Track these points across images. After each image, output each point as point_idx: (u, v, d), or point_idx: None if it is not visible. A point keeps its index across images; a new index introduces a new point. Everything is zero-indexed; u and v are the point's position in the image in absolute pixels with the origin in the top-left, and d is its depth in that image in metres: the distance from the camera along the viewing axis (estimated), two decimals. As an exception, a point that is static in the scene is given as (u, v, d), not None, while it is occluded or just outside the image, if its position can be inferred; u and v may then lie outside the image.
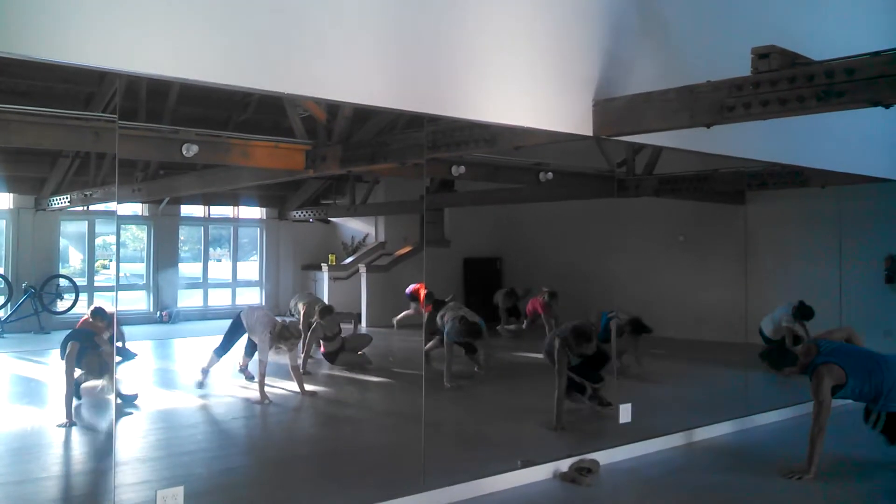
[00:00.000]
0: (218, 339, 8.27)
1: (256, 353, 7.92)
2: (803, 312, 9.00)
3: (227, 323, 8.33)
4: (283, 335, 7.65)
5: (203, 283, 13.97)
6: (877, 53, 4.08)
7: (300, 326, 9.05)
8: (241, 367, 8.37)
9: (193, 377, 8.27)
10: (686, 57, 5.74)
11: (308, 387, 8.09)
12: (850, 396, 5.81)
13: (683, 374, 9.62)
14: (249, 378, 8.23)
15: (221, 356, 8.25)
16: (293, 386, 7.92)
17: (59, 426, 6.46)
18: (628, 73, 5.48)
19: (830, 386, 5.61)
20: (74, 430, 6.54)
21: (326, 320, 9.22)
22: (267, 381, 7.79)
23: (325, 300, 12.28)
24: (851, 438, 6.17)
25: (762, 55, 4.39)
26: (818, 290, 9.39)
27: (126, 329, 8.72)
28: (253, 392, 7.87)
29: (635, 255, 10.95)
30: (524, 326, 10.83)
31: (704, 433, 6.83)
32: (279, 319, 8.19)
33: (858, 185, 8.42)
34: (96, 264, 12.73)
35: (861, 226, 9.64)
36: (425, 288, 9.05)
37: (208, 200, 13.61)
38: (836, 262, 9.49)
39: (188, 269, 14.15)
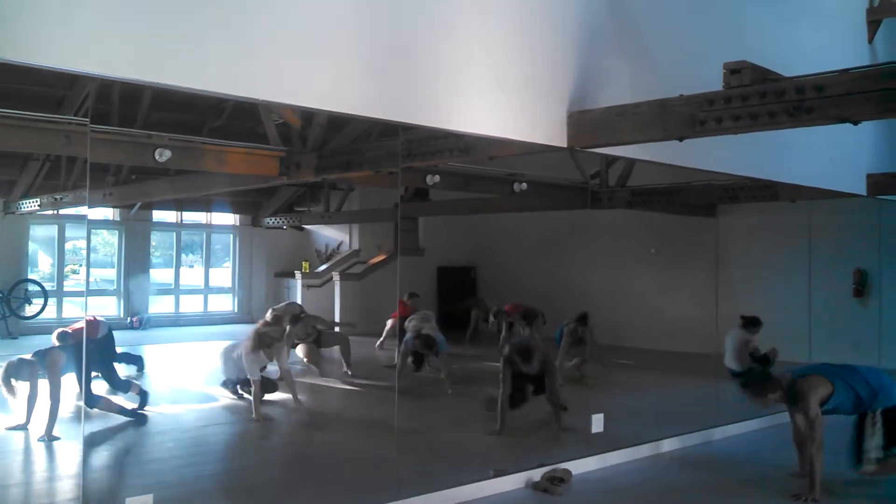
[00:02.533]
0: (190, 347, 8.13)
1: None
2: (749, 322, 9.04)
3: (199, 330, 8.20)
4: (263, 342, 7.32)
5: (175, 289, 13.86)
6: (846, 71, 4.16)
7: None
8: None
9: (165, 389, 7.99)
10: (659, 71, 5.81)
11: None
12: (841, 407, 5.63)
13: (654, 384, 9.68)
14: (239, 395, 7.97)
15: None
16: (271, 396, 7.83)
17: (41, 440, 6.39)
18: (602, 86, 5.53)
19: (818, 398, 5.49)
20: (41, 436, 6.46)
21: (298, 326, 9.14)
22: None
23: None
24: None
25: (734, 70, 4.45)
26: (788, 302, 9.51)
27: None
28: (227, 400, 7.83)
29: (607, 266, 11.02)
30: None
31: (675, 443, 6.88)
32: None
33: (827, 200, 8.54)
34: (66, 269, 12.57)
35: (830, 240, 9.78)
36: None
37: (181, 206, 13.51)
38: (805, 276, 9.62)
39: (160, 274, 14.02)
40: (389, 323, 10.29)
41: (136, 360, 8.83)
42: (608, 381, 8.82)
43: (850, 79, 4.11)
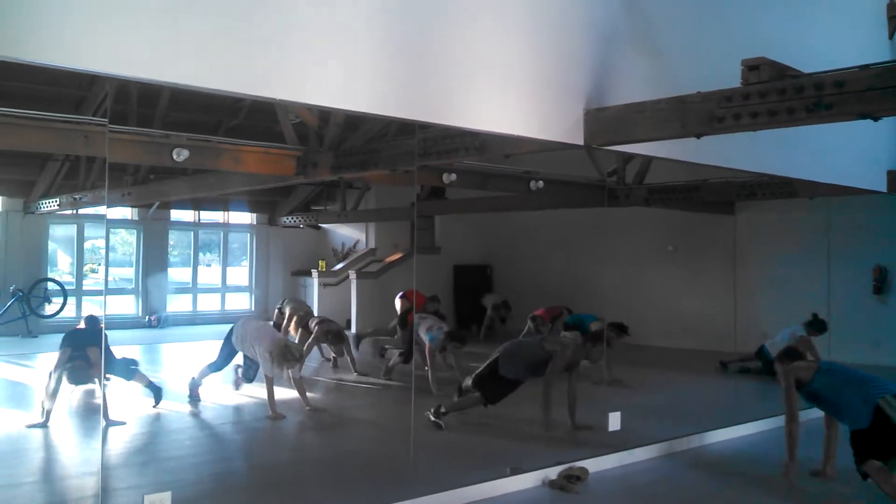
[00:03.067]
0: (208, 345, 8.15)
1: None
2: (818, 324, 8.92)
3: (216, 328, 8.21)
4: (286, 357, 7.24)
5: (192, 288, 13.94)
6: (866, 67, 4.12)
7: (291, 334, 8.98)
8: (235, 382, 8.03)
9: (184, 387, 7.97)
10: (677, 68, 5.78)
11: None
12: (823, 396, 5.63)
13: (672, 382, 9.64)
14: (237, 387, 8.00)
15: (215, 371, 7.84)
16: (286, 395, 7.84)
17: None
18: (619, 83, 5.50)
19: (792, 376, 5.60)
20: (61, 433, 6.51)
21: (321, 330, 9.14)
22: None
23: (315, 306, 12.28)
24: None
25: (752, 67, 4.42)
26: (807, 300, 9.44)
27: (114, 333, 8.63)
28: (242, 398, 7.85)
29: (624, 264, 11.00)
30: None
31: (693, 441, 6.85)
32: (279, 336, 7.90)
33: (847, 197, 8.47)
34: (85, 268, 12.69)
35: (849, 237, 9.71)
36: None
37: (198, 205, 13.60)
38: (824, 273, 9.55)
39: (177, 273, 14.12)
40: (398, 303, 10.08)
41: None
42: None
43: (871, 74, 4.07)
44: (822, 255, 9.62)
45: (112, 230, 12.53)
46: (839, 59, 4.53)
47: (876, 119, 4.20)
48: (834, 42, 7.01)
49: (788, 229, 10.38)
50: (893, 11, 8.13)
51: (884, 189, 8.18)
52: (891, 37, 8.15)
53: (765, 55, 4.43)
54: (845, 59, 4.43)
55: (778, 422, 7.43)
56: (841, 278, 9.58)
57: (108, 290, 11.55)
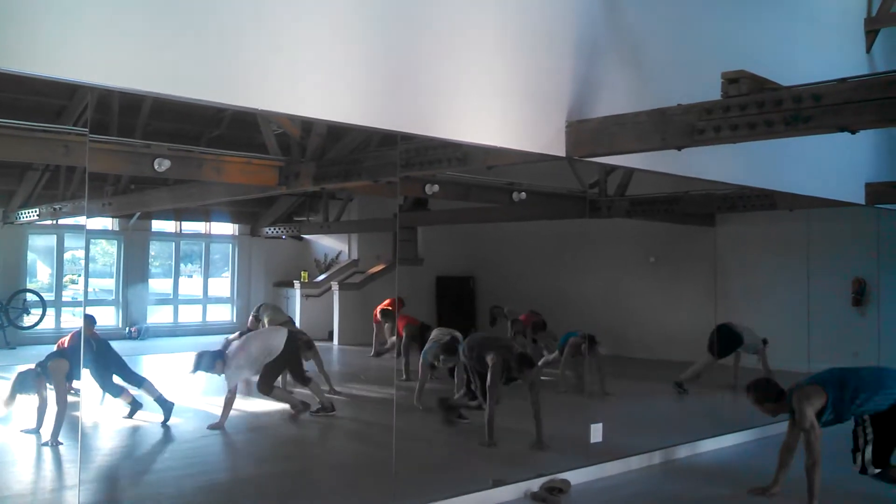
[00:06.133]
0: (190, 357, 8.05)
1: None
2: None
3: (197, 339, 8.11)
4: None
5: (174, 299, 13.83)
6: (843, 80, 4.17)
7: None
8: None
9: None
10: (658, 80, 5.83)
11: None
12: (834, 414, 5.53)
13: (654, 394, 9.66)
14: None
15: None
16: (266, 405, 7.82)
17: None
18: (601, 95, 5.54)
19: (813, 410, 5.39)
20: (39, 446, 6.43)
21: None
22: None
23: (297, 317, 12.23)
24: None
25: (732, 80, 4.47)
26: (786, 311, 9.50)
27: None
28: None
29: (606, 276, 11.02)
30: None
31: (674, 453, 6.87)
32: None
33: (826, 209, 8.55)
34: (65, 279, 12.56)
35: (828, 249, 9.78)
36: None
37: (180, 216, 13.52)
38: (804, 285, 9.60)
39: (158, 284, 14.00)
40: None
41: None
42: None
43: (848, 88, 4.12)
44: (802, 266, 9.68)
45: (92, 241, 12.43)
46: (818, 73, 4.60)
47: (853, 132, 4.25)
48: (813, 55, 7.10)
49: (768, 241, 10.44)
50: (871, 26, 8.25)
51: (862, 201, 8.27)
52: (868, 51, 8.26)
53: (745, 68, 4.48)
54: (823, 73, 4.49)
55: (762, 432, 7.50)
56: (820, 290, 9.63)
57: (88, 302, 11.44)
